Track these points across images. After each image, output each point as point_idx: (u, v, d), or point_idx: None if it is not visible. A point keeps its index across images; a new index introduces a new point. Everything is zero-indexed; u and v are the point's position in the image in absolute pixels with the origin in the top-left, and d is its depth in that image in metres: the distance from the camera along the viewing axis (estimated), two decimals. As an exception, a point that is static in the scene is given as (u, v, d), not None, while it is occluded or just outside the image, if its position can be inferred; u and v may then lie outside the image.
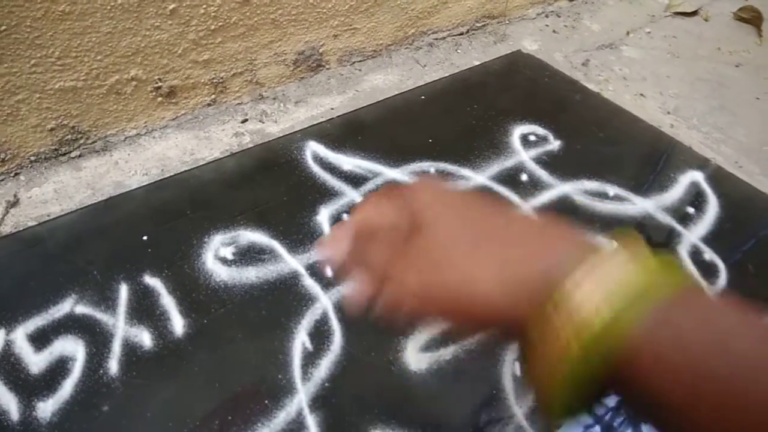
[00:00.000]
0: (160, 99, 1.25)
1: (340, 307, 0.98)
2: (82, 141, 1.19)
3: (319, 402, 0.86)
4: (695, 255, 1.20)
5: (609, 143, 1.44)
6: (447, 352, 0.95)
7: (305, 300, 0.98)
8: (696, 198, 1.32)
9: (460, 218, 0.44)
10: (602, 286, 0.36)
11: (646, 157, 1.42)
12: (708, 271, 1.17)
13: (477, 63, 1.72)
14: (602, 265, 0.37)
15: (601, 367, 0.36)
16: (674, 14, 2.26)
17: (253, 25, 1.30)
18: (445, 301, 0.42)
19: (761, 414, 0.34)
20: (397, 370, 0.91)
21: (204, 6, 1.20)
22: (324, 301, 0.98)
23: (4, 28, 0.98)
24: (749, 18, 2.28)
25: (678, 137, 1.59)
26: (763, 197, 1.36)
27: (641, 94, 1.77)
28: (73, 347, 0.87)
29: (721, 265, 1.18)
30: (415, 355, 0.94)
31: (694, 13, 2.29)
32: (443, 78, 1.58)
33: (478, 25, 1.82)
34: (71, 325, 0.90)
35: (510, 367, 0.95)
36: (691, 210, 1.29)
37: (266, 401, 0.84)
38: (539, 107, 1.50)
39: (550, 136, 1.42)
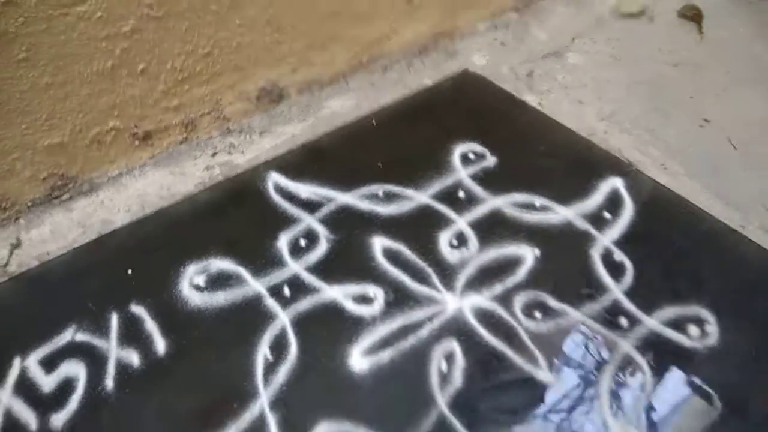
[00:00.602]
0: (137, 143, 1.44)
1: (296, 322, 1.18)
2: (71, 185, 1.38)
3: (278, 403, 1.06)
4: (606, 257, 1.39)
5: (541, 157, 1.62)
6: (385, 355, 1.16)
7: (267, 318, 1.18)
8: (613, 204, 1.51)
9: None
10: None
11: (572, 168, 1.60)
12: (617, 270, 1.36)
13: (428, 82, 1.90)
14: None
15: None
16: (621, 15, 2.41)
17: (217, 71, 1.48)
18: None
19: None
20: (343, 372, 1.12)
21: (170, 62, 1.37)
22: (282, 318, 1.18)
23: (-2, 101, 1.17)
24: (691, 16, 2.42)
25: (609, 143, 1.77)
26: (677, 199, 1.55)
27: (580, 102, 1.94)
28: (76, 369, 1.08)
29: (628, 265, 1.37)
30: (358, 359, 1.14)
31: (639, 14, 2.43)
32: (395, 102, 1.75)
33: (430, 44, 1.99)
34: (73, 350, 1.10)
35: (437, 364, 1.15)
36: (607, 215, 1.48)
37: (234, 405, 1.04)
38: (480, 126, 1.68)
39: (487, 153, 1.60)
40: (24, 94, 1.18)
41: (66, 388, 1.06)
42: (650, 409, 1.14)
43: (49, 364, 1.08)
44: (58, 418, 1.02)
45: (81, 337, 1.12)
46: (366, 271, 1.28)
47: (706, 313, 1.30)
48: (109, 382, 1.07)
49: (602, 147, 1.72)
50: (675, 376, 1.18)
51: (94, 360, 1.09)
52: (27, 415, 1.02)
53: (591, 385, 1.16)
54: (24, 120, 1.21)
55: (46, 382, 1.07)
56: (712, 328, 1.28)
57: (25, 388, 1.06)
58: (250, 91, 1.59)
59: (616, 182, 1.58)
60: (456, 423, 1.07)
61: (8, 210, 1.31)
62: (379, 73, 1.90)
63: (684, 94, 2.06)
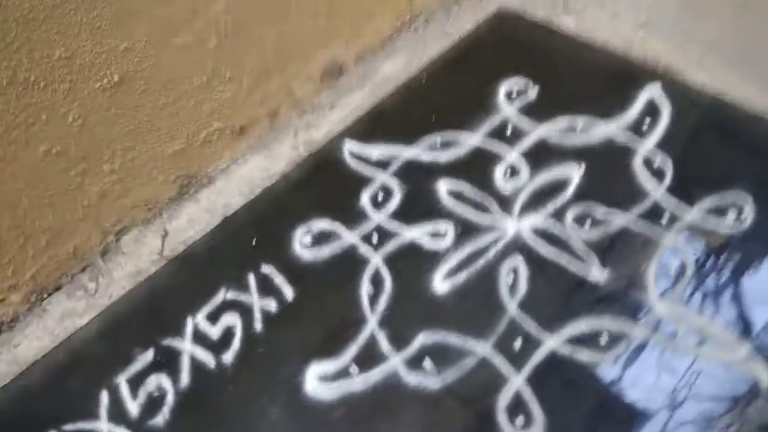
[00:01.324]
0: (235, 136, 1.76)
1: (387, 261, 1.49)
2: (194, 181, 1.74)
3: (383, 323, 1.39)
4: (647, 161, 1.57)
5: (580, 79, 1.78)
6: (461, 277, 1.44)
7: (363, 261, 1.50)
8: (651, 111, 1.66)
9: None
10: None
11: (611, 84, 1.75)
12: (657, 173, 1.54)
13: (468, 26, 2.06)
14: None
15: None
16: None
17: (284, 63, 1.76)
18: None
19: None
20: (430, 294, 1.42)
21: (248, 66, 1.66)
22: (375, 260, 1.49)
23: (131, 128, 1.52)
24: None
25: (647, 50, 1.88)
26: (710, 96, 1.67)
27: (615, 13, 2.03)
28: (232, 319, 1.46)
29: (668, 166, 1.55)
30: (440, 283, 1.44)
31: None
32: (440, 54, 1.95)
33: (464, -12, 2.13)
34: (227, 306, 1.48)
35: (504, 279, 1.42)
36: (646, 124, 1.64)
37: (351, 329, 1.38)
38: (520, 61, 1.85)
39: (529, 86, 1.78)
40: (148, 117, 1.52)
41: (229, 333, 1.43)
42: (694, 290, 1.36)
43: (213, 318, 1.46)
44: (228, 356, 1.41)
45: (231, 295, 1.49)
46: (436, 211, 1.56)
47: (744, 197, 1.46)
48: (258, 325, 1.44)
49: (640, 56, 1.84)
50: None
51: (244, 311, 1.46)
52: (205, 356, 1.42)
53: (640, 276, 1.38)
54: (152, 137, 1.56)
55: (213, 332, 1.45)
56: (749, 212, 1.44)
57: (200, 337, 1.45)
58: (314, 72, 1.86)
59: (653, 90, 1.71)
60: (528, 321, 1.34)
61: (153, 209, 1.69)
62: (421, 29, 2.09)
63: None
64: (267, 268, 1.52)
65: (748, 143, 1.54)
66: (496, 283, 1.41)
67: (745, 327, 1.29)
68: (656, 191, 1.50)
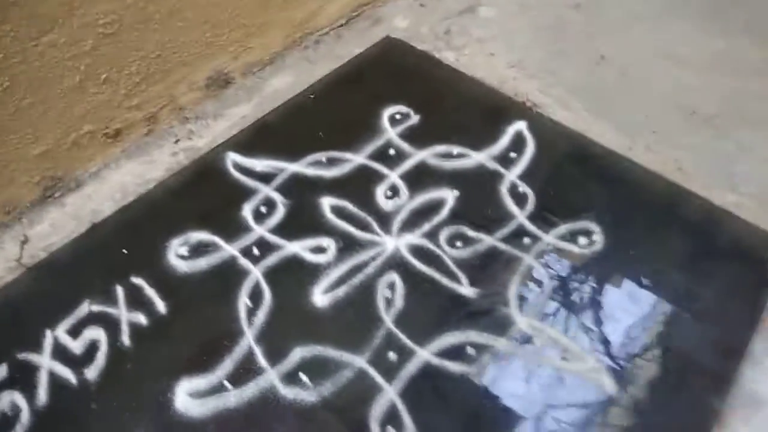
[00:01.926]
0: (109, 140, 1.68)
1: (266, 274, 1.49)
2: (60, 184, 1.62)
3: (260, 337, 1.37)
4: (512, 189, 1.71)
5: (457, 110, 1.91)
6: (340, 291, 1.47)
7: (242, 274, 1.48)
8: (517, 144, 1.82)
9: None
10: None
11: (484, 117, 1.90)
12: (521, 199, 1.68)
13: (357, 50, 2.13)
14: None
15: None
16: (527, -37, 2.62)
17: (167, 69, 1.70)
18: None
19: None
20: (309, 308, 1.43)
21: (127, 68, 1.60)
22: (255, 273, 1.48)
23: (-11, 124, 1.39)
24: (591, -45, 2.64)
25: (518, 88, 2.06)
26: (572, 133, 1.86)
27: (491, 53, 2.21)
28: (97, 333, 1.37)
29: (530, 194, 1.70)
30: (320, 297, 1.46)
31: (545, -42, 2.64)
32: (328, 74, 2.00)
33: (355, 14, 2.21)
34: (92, 319, 1.39)
35: (382, 293, 1.47)
36: (513, 154, 1.79)
37: (226, 342, 1.35)
38: (404, 87, 1.95)
39: (412, 112, 1.88)
40: (12, 116, 1.40)
41: (92, 348, 1.35)
42: (550, 305, 1.49)
43: (75, 332, 1.37)
44: (90, 372, 1.32)
45: (96, 307, 1.40)
46: (318, 227, 1.58)
47: (593, 226, 1.64)
48: (126, 339, 1.36)
49: (511, 94, 2.01)
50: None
51: (110, 324, 1.38)
52: (65, 372, 1.32)
53: (504, 291, 1.50)
54: (15, 137, 1.44)
55: (75, 346, 1.35)
56: (598, 237, 1.62)
57: (60, 352, 1.34)
58: (199, 81, 1.82)
59: (521, 125, 1.88)
60: (400, 335, 1.40)
61: (12, 213, 1.55)
62: (312, 48, 2.13)
63: (583, 34, 2.33)
64: (137, 280, 1.45)
65: (600, 176, 1.74)
66: (373, 298, 1.46)
67: (594, 339, 1.44)
68: (520, 216, 1.64)
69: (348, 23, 2.21)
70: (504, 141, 1.83)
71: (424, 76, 1.99)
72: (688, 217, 1.65)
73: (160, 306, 1.42)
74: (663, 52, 2.26)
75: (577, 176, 1.74)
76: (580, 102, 2.04)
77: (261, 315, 1.42)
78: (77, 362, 1.33)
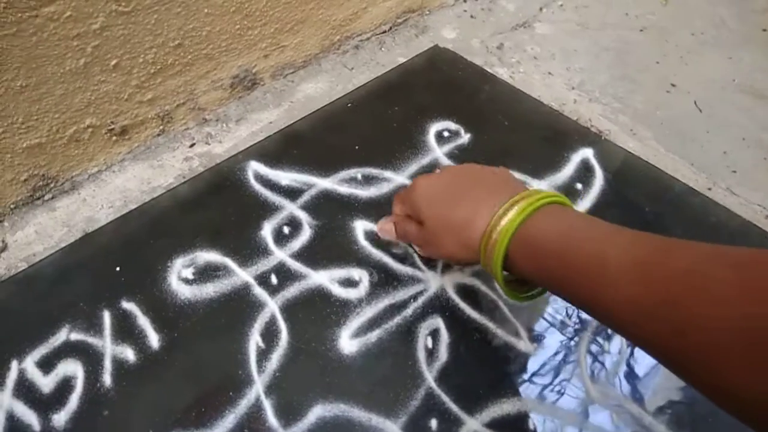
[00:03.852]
0: (114, 138, 1.44)
1: (285, 308, 1.22)
2: (52, 185, 1.38)
3: (272, 388, 1.11)
4: (580, 227, 1.44)
5: (513, 131, 1.66)
6: (372, 336, 1.21)
7: (256, 306, 1.22)
8: (584, 174, 1.56)
9: (465, 177, 1.04)
10: (511, 215, 0.78)
11: (544, 141, 1.65)
12: (590, 240, 1.42)
13: (401, 59, 1.91)
14: (516, 203, 0.80)
15: (504, 260, 0.79)
16: (587, -19, 2.42)
17: (188, 62, 1.48)
18: (435, 217, 0.94)
19: (579, 268, 0.67)
20: (334, 355, 1.16)
21: (142, 55, 1.37)
22: (271, 306, 1.22)
23: (-29, 106, 1.16)
24: (656, -22, 2.44)
25: (579, 112, 1.82)
26: (645, 165, 1.61)
27: (549, 73, 1.98)
28: (73, 368, 1.11)
29: (600, 234, 1.43)
30: (347, 342, 1.19)
31: (606, -22, 2.44)
32: (368, 82, 1.76)
33: (400, 21, 1.99)
34: (69, 350, 1.13)
35: (423, 341, 1.20)
36: (579, 186, 1.53)
37: (230, 393, 1.09)
38: (454, 102, 1.71)
39: (462, 130, 1.63)
40: (-2, 99, 1.17)
41: (65, 387, 1.09)
42: (630, 371, 1.22)
43: (47, 364, 1.11)
44: (60, 418, 1.06)
45: (75, 336, 1.14)
46: (350, 255, 1.32)
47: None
48: (107, 379, 1.10)
49: (572, 117, 1.77)
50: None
51: (91, 358, 1.12)
52: (29, 416, 1.05)
53: (571, 352, 1.23)
54: (1, 124, 1.20)
55: (45, 383, 1.09)
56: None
57: (25, 389, 1.08)
58: (224, 79, 1.59)
59: (587, 152, 1.63)
60: (443, 396, 1.13)
61: (-10, 214, 1.31)
62: (351, 53, 1.90)
63: (651, 59, 2.10)
64: (129, 305, 1.20)
65: (683, 218, 1.47)
66: (413, 346, 1.19)
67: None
68: (589, 259, 1.37)
69: (392, 30, 1.99)
70: (569, 169, 1.57)
71: (475, 92, 1.75)
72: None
73: (153, 340, 1.16)
74: (739, 83, 2.02)
75: (655, 216, 1.48)
76: (650, 131, 1.80)
77: (275, 360, 1.15)
78: (44, 404, 1.07)
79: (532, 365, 1.20)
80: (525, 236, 0.76)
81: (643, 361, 1.21)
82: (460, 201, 0.88)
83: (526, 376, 1.19)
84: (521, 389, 1.15)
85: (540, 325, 1.25)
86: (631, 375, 1.21)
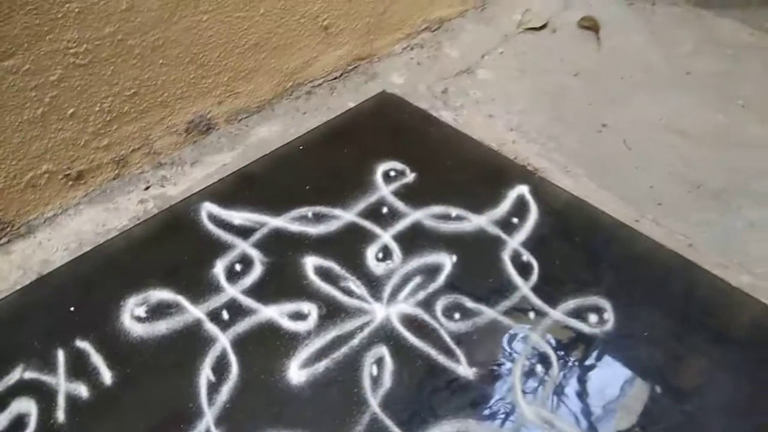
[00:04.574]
0: (70, 183, 1.50)
1: (235, 343, 1.28)
2: (8, 229, 1.43)
3: (222, 420, 1.16)
4: (515, 257, 1.55)
5: (455, 170, 1.78)
6: (320, 366, 1.27)
7: (207, 341, 1.27)
8: (520, 209, 1.68)
9: None
10: None
11: (484, 179, 1.76)
12: (525, 269, 1.53)
13: (351, 104, 2.02)
14: None
15: None
16: (525, 30, 2.60)
17: (144, 109, 1.55)
18: None
19: None
20: (283, 385, 1.22)
21: (98, 104, 1.44)
22: (222, 340, 1.28)
23: (-72, 155, 1.21)
24: (590, 26, 2.64)
25: (518, 152, 1.95)
26: (577, 201, 1.74)
27: (490, 115, 2.12)
28: (27, 406, 1.14)
29: (535, 264, 1.54)
30: (296, 372, 1.25)
31: (543, 27, 2.63)
32: (320, 125, 1.87)
33: (350, 68, 2.12)
34: (22, 388, 1.16)
35: (369, 370, 1.28)
36: (515, 220, 1.65)
37: (181, 426, 1.13)
38: (400, 144, 1.82)
39: (407, 170, 1.74)
40: (-45, 147, 1.23)
41: (17, 425, 1.12)
42: (562, 393, 1.31)
43: (0, 403, 1.14)
44: (12, 455, 1.08)
45: (29, 374, 1.18)
46: (299, 290, 1.40)
47: (603, 302, 1.48)
48: (60, 415, 1.13)
49: (511, 157, 1.90)
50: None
51: (44, 395, 1.16)
52: (-20, 455, 1.08)
53: (507, 375, 1.32)
54: (-43, 171, 1.25)
55: (-2, 421, 1.12)
56: (609, 315, 1.46)
57: (-23, 429, 1.11)
58: (179, 124, 1.67)
59: (523, 189, 1.75)
60: (387, 421, 1.19)
61: (-56, 258, 1.34)
62: (303, 99, 2.01)
63: (584, 101, 2.26)
64: (82, 344, 1.24)
65: (609, 249, 1.60)
66: (359, 374, 1.26)
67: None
68: (524, 287, 1.48)
69: (342, 76, 2.11)
70: (505, 205, 1.69)
71: (420, 134, 1.87)
72: (704, 297, 1.51)
73: (106, 376, 1.20)
74: (665, 123, 2.20)
75: (584, 247, 1.60)
76: (582, 169, 1.94)
77: (225, 392, 1.20)
78: (-3, 443, 1.10)
79: (471, 389, 1.28)
80: None
81: (575, 384, 1.31)
82: None
83: (465, 400, 1.26)
84: (461, 412, 1.23)
85: (479, 351, 1.33)
86: (563, 396, 1.30)
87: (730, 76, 2.44)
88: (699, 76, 2.43)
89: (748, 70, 2.43)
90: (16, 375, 1.17)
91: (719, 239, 1.72)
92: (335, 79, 2.10)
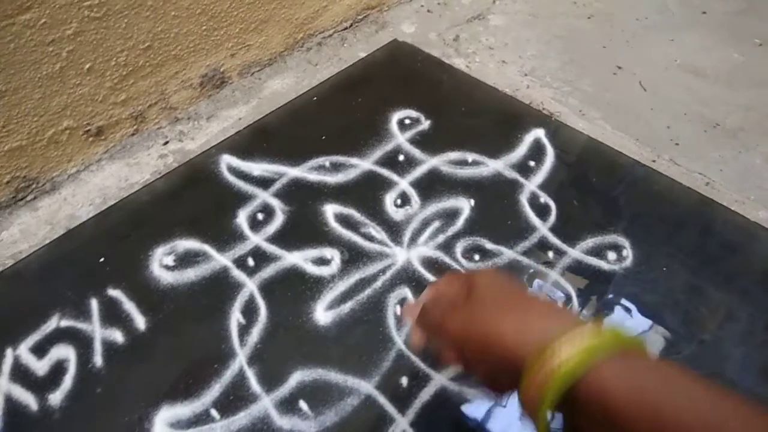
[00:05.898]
0: (91, 139, 1.51)
1: (262, 287, 1.32)
2: (33, 186, 1.45)
3: (254, 359, 1.20)
4: (533, 199, 1.56)
5: (470, 116, 1.77)
6: (345, 307, 1.30)
7: (235, 287, 1.31)
8: (537, 152, 1.68)
9: (498, 292, 0.72)
10: (570, 348, 0.56)
11: (499, 124, 1.76)
12: (543, 211, 1.54)
13: (362, 54, 2.01)
14: (576, 335, 0.58)
15: (560, 395, 0.56)
16: (537, -26, 2.54)
17: (158, 63, 1.56)
18: (474, 337, 0.68)
19: None
20: (310, 326, 1.26)
21: (114, 59, 1.45)
22: (250, 285, 1.31)
23: (-47, 113, 1.23)
24: (602, -33, 2.57)
25: (532, 96, 1.94)
26: (593, 142, 1.73)
27: (503, 61, 2.10)
28: (65, 352, 1.18)
29: (552, 205, 1.55)
30: (322, 314, 1.29)
31: (555, -31, 2.56)
32: (332, 77, 1.86)
33: (360, 17, 2.09)
34: (60, 335, 1.21)
35: (392, 309, 1.31)
36: (532, 163, 1.65)
37: (215, 365, 1.18)
38: (414, 92, 1.82)
39: (422, 117, 1.74)
40: (-22, 105, 1.24)
41: (59, 369, 1.16)
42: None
43: (40, 350, 1.18)
44: (55, 397, 1.13)
45: (66, 323, 1.22)
46: (321, 236, 1.42)
47: (622, 240, 1.50)
48: (98, 359, 1.18)
49: (526, 101, 1.89)
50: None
51: (81, 342, 1.20)
52: (26, 397, 1.13)
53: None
54: (-19, 129, 1.27)
55: (39, 366, 1.17)
56: (628, 252, 1.47)
57: (20, 373, 1.16)
58: (193, 78, 1.67)
59: (539, 133, 1.75)
60: (413, 357, 1.23)
61: (-25, 215, 1.38)
62: (314, 51, 2.00)
63: (598, 44, 2.24)
64: (114, 292, 1.28)
65: (626, 188, 1.60)
66: (383, 315, 1.29)
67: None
68: (542, 228, 1.50)
69: (352, 27, 2.08)
70: (522, 149, 1.69)
71: (433, 81, 1.86)
72: (722, 232, 1.52)
73: (140, 322, 1.24)
74: (681, 63, 2.17)
75: (602, 187, 1.60)
76: (599, 112, 1.93)
77: (255, 334, 1.24)
78: (41, 386, 1.15)
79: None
80: (592, 386, 0.56)
81: (594, 318, 1.33)
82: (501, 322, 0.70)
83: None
84: (483, 347, 1.26)
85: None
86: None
87: (746, 15, 2.39)
88: (715, 15, 2.38)
89: (765, 9, 2.38)
90: (53, 324, 1.21)
91: (736, 177, 1.73)
92: (345, 29, 2.08)
